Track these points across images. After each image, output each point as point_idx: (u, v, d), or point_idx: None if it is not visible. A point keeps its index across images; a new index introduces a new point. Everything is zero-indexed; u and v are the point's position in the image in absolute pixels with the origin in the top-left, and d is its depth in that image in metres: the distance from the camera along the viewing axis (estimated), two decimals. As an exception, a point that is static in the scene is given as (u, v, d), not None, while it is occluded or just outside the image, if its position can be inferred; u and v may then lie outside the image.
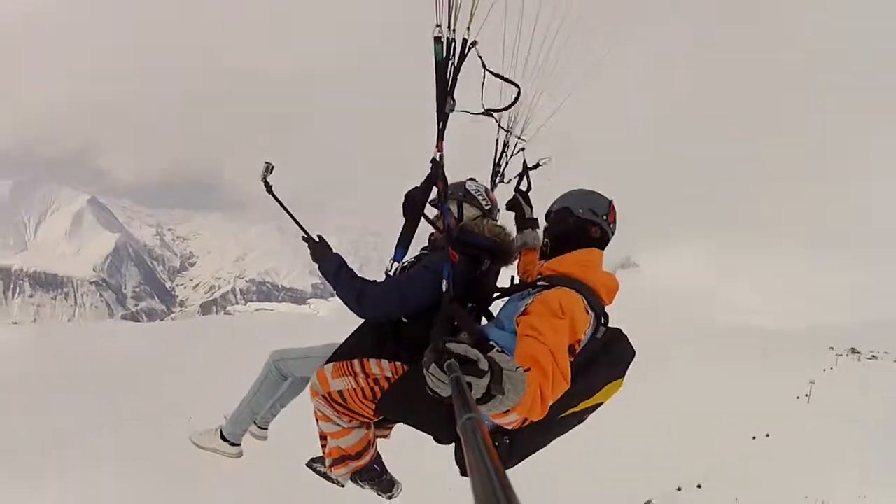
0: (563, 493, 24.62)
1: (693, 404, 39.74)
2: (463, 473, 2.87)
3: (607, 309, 3.27)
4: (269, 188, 3.88)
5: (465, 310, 3.58)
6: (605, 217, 3.33)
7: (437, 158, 3.43)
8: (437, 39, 3.22)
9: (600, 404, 3.29)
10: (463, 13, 3.13)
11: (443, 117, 3.36)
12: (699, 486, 27.29)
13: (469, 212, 3.94)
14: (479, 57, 3.44)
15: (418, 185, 3.50)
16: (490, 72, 3.56)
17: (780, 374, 54.80)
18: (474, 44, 3.30)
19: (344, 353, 3.68)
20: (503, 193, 4.48)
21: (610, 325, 3.28)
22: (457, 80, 3.33)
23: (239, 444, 4.50)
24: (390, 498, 4.09)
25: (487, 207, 4.00)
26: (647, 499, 25.06)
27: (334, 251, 3.75)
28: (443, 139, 3.41)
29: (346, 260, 3.68)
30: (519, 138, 4.57)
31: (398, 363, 3.52)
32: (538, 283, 3.18)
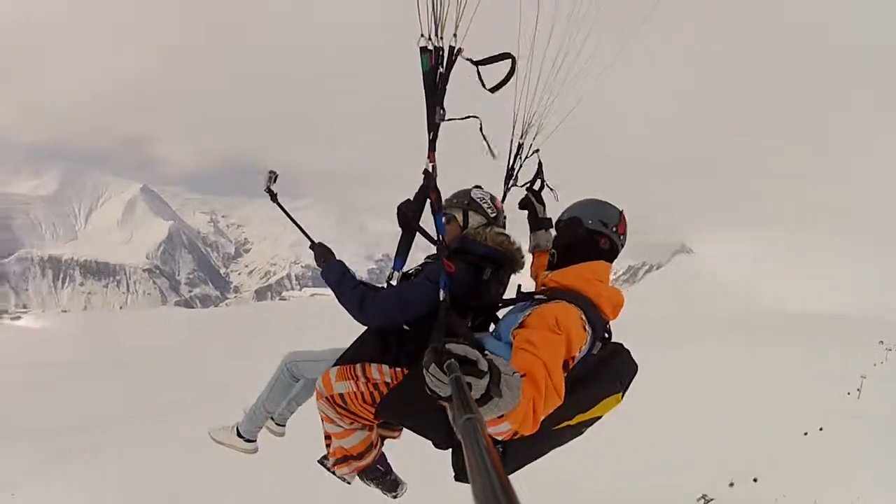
0: (612, 486, 24.41)
1: (743, 397, 38.35)
2: (457, 478, 3.04)
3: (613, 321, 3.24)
4: (273, 196, 4.08)
5: (462, 319, 3.44)
6: (614, 228, 3.30)
7: (430, 169, 3.40)
8: (423, 49, 3.18)
9: (598, 418, 3.25)
10: (451, 18, 3.08)
11: (433, 128, 3.31)
12: (755, 481, 26.40)
13: (474, 220, 3.97)
14: (468, 60, 3.32)
15: (412, 196, 3.62)
16: (477, 62, 3.37)
17: (829, 367, 53.54)
18: (460, 51, 3.23)
19: (348, 358, 3.73)
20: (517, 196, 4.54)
21: (615, 339, 3.27)
22: (445, 89, 3.26)
23: (254, 441, 4.59)
24: (395, 497, 4.16)
25: (493, 215, 4.02)
26: (701, 493, 24.58)
27: (337, 258, 3.87)
28: (434, 150, 3.37)
29: (349, 268, 3.83)
30: (518, 146, 4.48)
31: (398, 369, 3.55)
32: (536, 297, 3.18)
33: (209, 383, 40.56)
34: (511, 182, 4.62)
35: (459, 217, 3.98)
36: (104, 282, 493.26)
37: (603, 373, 3.12)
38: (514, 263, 3.93)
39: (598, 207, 3.36)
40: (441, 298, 3.29)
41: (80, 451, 27.24)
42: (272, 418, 4.64)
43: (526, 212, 4.48)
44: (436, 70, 3.23)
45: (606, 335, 3.21)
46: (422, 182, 3.52)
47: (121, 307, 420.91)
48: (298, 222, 4.16)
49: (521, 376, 2.16)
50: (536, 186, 4.55)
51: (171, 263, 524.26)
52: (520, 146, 4.52)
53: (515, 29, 3.51)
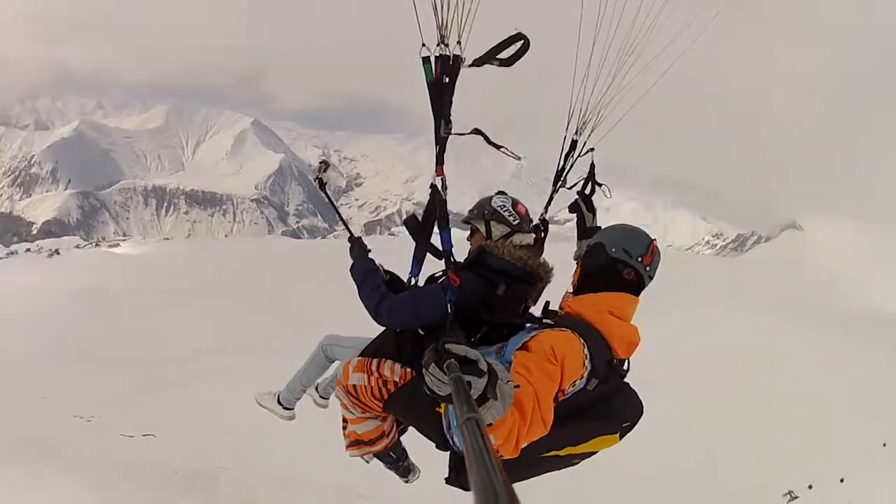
0: (697, 481, 16.56)
1: (834, 395, 24.32)
2: (448, 481, 3.36)
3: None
4: (322, 185, 4.45)
5: (463, 332, 3.46)
6: (639, 259, 3.16)
7: (437, 184, 3.52)
8: (426, 60, 3.21)
9: (593, 453, 3.23)
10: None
11: (440, 141, 3.37)
12: (842, 480, 17.27)
13: (497, 230, 4.01)
14: (474, 63, 3.37)
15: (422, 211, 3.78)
16: (486, 56, 3.42)
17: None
18: (462, 60, 3.26)
19: (368, 351, 3.99)
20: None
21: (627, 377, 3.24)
22: (452, 101, 3.30)
23: (292, 409, 5.18)
24: (406, 482, 4.60)
25: (515, 223, 4.03)
26: (787, 489, 16.46)
27: (370, 256, 4.17)
28: (442, 163, 3.46)
29: (379, 267, 4.13)
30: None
31: (409, 370, 3.69)
32: (545, 322, 3.14)
33: (308, 315, 33.75)
34: (560, 183, 4.58)
35: (482, 228, 4.04)
36: (210, 211, 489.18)
37: (602, 411, 3.05)
38: (535, 279, 3.89)
39: (625, 235, 3.24)
40: (448, 310, 3.44)
41: (170, 381, 22.63)
42: (317, 390, 5.21)
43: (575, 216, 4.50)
44: (441, 80, 3.21)
45: (618, 372, 3.11)
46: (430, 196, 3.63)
47: (226, 235, 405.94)
48: (342, 215, 4.40)
49: (515, 386, 2.16)
50: (588, 191, 4.58)
51: (281, 195, 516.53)
52: (573, 144, 4.47)
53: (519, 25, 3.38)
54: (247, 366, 24.74)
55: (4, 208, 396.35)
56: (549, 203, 4.57)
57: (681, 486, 15.84)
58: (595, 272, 3.17)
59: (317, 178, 4.40)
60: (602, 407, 3.02)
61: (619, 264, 3.11)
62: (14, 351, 32.35)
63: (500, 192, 4.17)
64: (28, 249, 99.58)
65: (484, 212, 4.03)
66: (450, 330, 3.36)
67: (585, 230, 4.33)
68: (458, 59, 3.18)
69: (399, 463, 4.39)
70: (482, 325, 3.64)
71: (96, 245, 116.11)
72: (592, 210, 4.44)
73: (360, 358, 3.86)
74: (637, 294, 3.16)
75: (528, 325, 3.32)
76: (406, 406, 3.57)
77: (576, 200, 4.46)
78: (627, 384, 3.19)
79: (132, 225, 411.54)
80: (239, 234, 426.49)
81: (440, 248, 3.67)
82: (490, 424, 1.98)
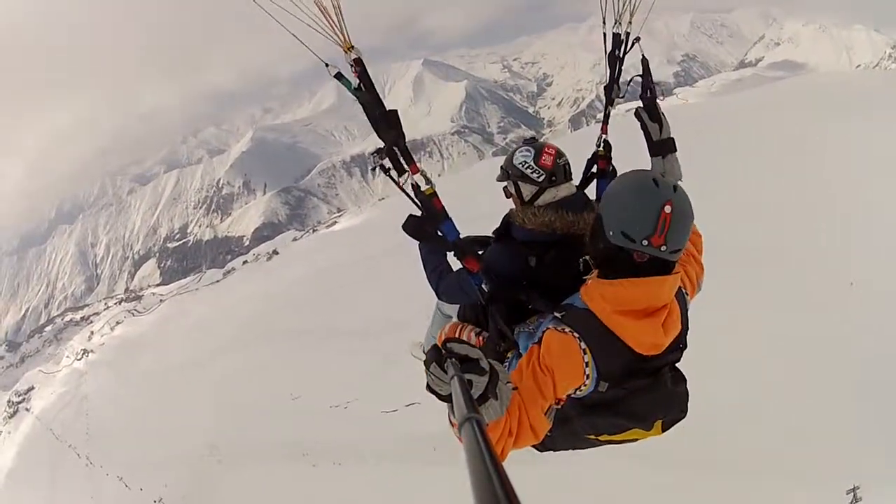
0: (766, 471, 15.33)
1: None
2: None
3: None
4: (386, 171, 3.59)
5: (503, 311, 3.38)
6: (645, 242, 2.48)
7: (415, 183, 3.43)
8: (339, 75, 3.22)
9: (636, 439, 3.02)
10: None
11: (389, 151, 3.39)
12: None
13: (526, 190, 3.58)
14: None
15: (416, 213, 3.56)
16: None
17: None
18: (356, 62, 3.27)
19: (460, 315, 4.07)
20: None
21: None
22: (379, 98, 3.24)
23: None
24: None
25: (541, 179, 3.50)
26: (852, 486, 14.74)
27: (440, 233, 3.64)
28: (412, 162, 3.42)
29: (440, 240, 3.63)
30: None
31: (481, 337, 3.67)
32: (556, 314, 2.75)
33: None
34: (613, 94, 3.98)
35: (513, 190, 3.66)
36: (415, 157, 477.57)
37: (622, 410, 2.81)
38: (574, 240, 3.28)
39: (624, 208, 2.54)
40: (484, 295, 3.35)
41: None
42: None
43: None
44: (365, 82, 3.21)
45: (645, 371, 2.74)
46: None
47: (439, 175, 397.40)
48: (409, 193, 3.57)
49: (514, 388, 2.25)
50: (648, 95, 3.72)
51: (478, 119, 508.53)
52: (615, 39, 3.85)
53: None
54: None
55: (208, 236, 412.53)
56: (605, 121, 4.00)
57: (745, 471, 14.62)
58: (600, 257, 2.67)
59: (376, 164, 3.44)
60: (622, 407, 2.76)
61: (622, 252, 2.53)
62: (255, 356, 36.52)
63: (526, 142, 3.61)
64: (245, 262, 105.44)
65: (509, 172, 3.58)
66: (491, 313, 3.36)
67: (653, 145, 3.54)
68: (360, 62, 3.15)
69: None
70: (525, 298, 3.26)
71: (313, 231, 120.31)
72: (658, 119, 3.54)
73: (452, 323, 4.01)
74: (663, 273, 2.53)
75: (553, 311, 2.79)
76: None
77: (636, 111, 3.58)
78: (662, 380, 2.76)
79: (343, 199, 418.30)
80: (450, 169, 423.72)
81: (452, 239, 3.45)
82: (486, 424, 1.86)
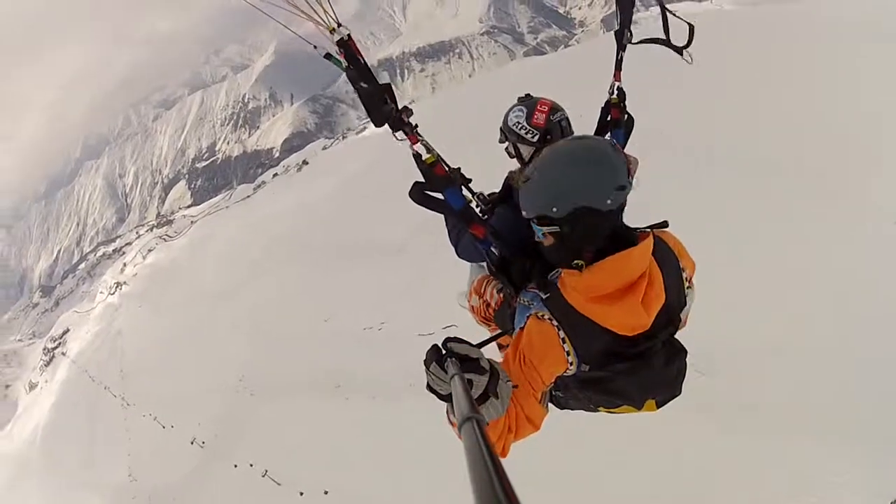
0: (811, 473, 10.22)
1: None
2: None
3: None
4: (409, 130, 3.24)
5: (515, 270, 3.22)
6: (573, 211, 2.33)
7: (416, 151, 3.23)
8: (328, 55, 2.96)
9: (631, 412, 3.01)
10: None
11: (396, 124, 3.13)
12: None
13: (525, 151, 3.59)
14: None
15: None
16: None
17: None
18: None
19: (488, 269, 3.94)
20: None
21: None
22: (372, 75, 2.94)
23: None
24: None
25: (535, 139, 3.49)
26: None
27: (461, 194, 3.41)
28: (410, 134, 3.18)
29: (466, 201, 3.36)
30: None
31: (501, 295, 3.62)
32: (541, 294, 2.58)
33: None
34: (624, 40, 3.67)
35: (514, 151, 3.66)
36: (445, 59, 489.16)
37: (608, 390, 2.72)
38: None
39: (541, 187, 2.41)
40: (491, 260, 3.31)
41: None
42: None
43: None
44: (354, 60, 2.95)
45: (625, 353, 2.56)
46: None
47: (469, 76, 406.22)
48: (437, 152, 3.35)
49: (514, 386, 2.23)
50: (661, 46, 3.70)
51: (507, 19, 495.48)
52: None
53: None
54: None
55: (237, 152, 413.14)
56: (618, 67, 3.64)
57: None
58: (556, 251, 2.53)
59: (396, 130, 3.19)
60: (609, 386, 2.68)
61: (556, 236, 2.43)
62: (286, 277, 37.84)
63: (520, 100, 3.57)
64: (275, 174, 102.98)
65: (507, 134, 3.61)
66: (497, 277, 3.41)
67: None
68: (349, 38, 2.89)
69: None
70: (534, 259, 3.05)
71: (343, 138, 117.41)
72: (681, 52, 3.62)
73: (480, 277, 3.93)
74: (627, 245, 2.34)
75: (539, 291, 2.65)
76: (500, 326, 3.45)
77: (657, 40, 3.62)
78: (649, 361, 2.57)
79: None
80: (481, 70, 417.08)
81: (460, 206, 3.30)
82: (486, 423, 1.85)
